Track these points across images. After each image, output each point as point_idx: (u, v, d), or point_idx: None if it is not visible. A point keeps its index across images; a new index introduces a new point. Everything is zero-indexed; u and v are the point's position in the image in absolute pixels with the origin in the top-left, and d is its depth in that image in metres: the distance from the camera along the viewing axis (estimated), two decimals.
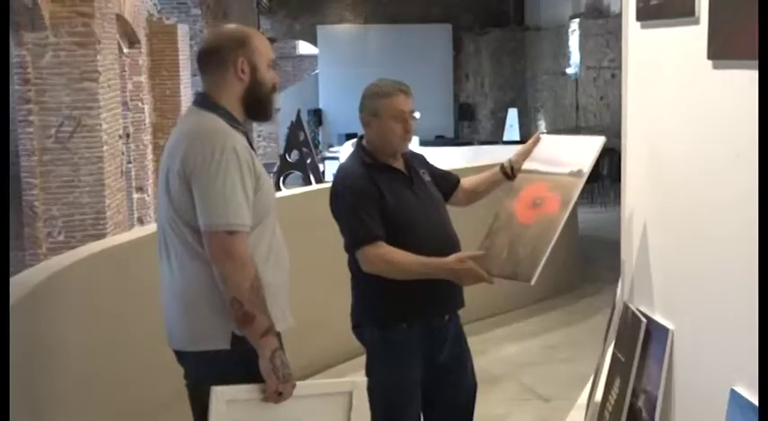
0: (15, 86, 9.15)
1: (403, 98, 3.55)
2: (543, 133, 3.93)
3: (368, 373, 3.51)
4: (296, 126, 14.60)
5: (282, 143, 16.63)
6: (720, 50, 2.12)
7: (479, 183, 3.87)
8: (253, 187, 2.91)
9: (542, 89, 21.25)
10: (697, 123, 2.30)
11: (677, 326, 2.48)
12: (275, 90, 3.12)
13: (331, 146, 20.03)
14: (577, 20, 18.19)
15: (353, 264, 3.56)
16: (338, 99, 22.35)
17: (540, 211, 3.32)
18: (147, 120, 12.67)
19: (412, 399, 3.60)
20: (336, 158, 14.74)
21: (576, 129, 17.33)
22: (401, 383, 3.57)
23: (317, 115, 23.58)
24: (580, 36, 18.00)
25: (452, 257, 3.42)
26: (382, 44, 23.38)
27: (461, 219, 3.87)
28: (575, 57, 18.46)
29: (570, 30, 18.62)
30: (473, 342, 3.95)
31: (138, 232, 5.92)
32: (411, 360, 3.56)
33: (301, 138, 14.49)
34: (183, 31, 13.93)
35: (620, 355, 2.78)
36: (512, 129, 19.11)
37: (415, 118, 3.59)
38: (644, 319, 2.62)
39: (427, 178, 3.73)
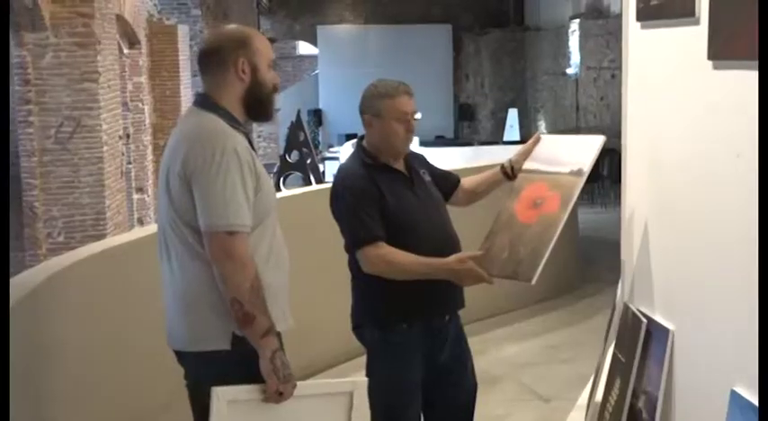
0: (15, 87, 9.15)
1: (406, 99, 3.55)
2: (543, 133, 3.93)
3: (368, 374, 3.51)
4: (296, 126, 14.60)
5: (282, 143, 16.62)
6: (721, 51, 2.12)
7: (479, 183, 3.87)
8: (253, 188, 2.91)
9: (542, 89, 21.25)
10: (697, 124, 2.30)
11: (677, 326, 2.48)
12: (276, 90, 3.12)
13: (331, 146, 20.02)
14: (577, 20, 18.19)
15: (354, 265, 3.55)
16: (338, 99, 22.35)
17: (540, 211, 3.32)
18: (147, 121, 12.67)
19: (412, 400, 3.60)
20: (336, 159, 14.74)
21: (577, 130, 17.33)
22: (401, 384, 3.57)
23: (317, 115, 23.58)
24: (580, 36, 18.00)
25: (453, 258, 3.42)
26: (382, 44, 23.38)
27: (461, 219, 3.87)
28: (575, 57, 18.46)
29: (570, 30, 18.62)
30: (473, 342, 3.95)
31: (138, 233, 5.92)
32: (411, 360, 3.56)
33: (301, 138, 14.48)
34: (183, 31, 13.93)
35: (620, 356, 2.78)
36: (512, 130, 19.11)
37: (416, 119, 3.59)
38: (644, 320, 2.62)
39: (427, 178, 3.73)
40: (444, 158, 9.32)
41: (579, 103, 18.33)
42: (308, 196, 6.78)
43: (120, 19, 10.80)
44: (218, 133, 2.91)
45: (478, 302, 4.48)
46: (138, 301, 4.64)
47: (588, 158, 3.39)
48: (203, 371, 2.96)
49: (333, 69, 23.49)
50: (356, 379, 3.18)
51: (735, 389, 2.06)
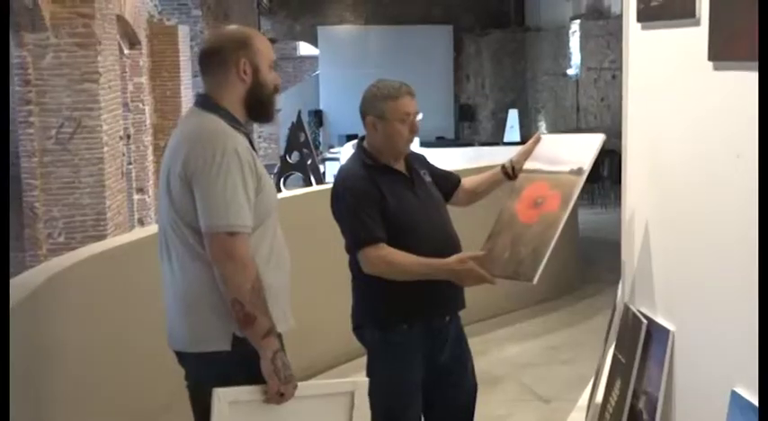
0: (16, 87, 9.15)
1: (408, 99, 3.54)
2: (543, 133, 3.93)
3: (368, 374, 3.51)
4: (296, 127, 14.60)
5: (283, 144, 16.61)
6: (721, 52, 2.12)
7: (480, 183, 3.87)
8: (254, 188, 2.91)
9: (543, 90, 21.25)
10: (697, 124, 2.30)
11: (678, 327, 2.48)
12: (277, 91, 3.12)
13: (332, 147, 20.03)
14: (578, 21, 18.20)
15: (354, 265, 3.55)
16: (339, 100, 22.35)
17: (541, 211, 3.32)
18: (148, 122, 12.68)
19: (412, 400, 3.60)
20: (337, 159, 14.74)
21: (577, 131, 17.31)
22: (402, 384, 3.57)
23: (317, 116, 23.58)
24: (581, 37, 18.00)
25: (453, 258, 3.42)
26: (383, 45, 23.38)
27: (462, 219, 3.87)
28: (575, 58, 18.47)
29: (571, 31, 18.63)
30: (474, 343, 3.95)
31: (139, 233, 5.92)
32: (412, 361, 3.56)
33: (302, 139, 14.48)
34: (183, 32, 13.93)
35: (620, 357, 2.78)
36: (512, 131, 19.09)
37: (419, 119, 3.59)
38: (644, 321, 2.63)
39: (428, 179, 3.73)
40: (445, 159, 9.32)
41: (580, 104, 18.33)
42: (308, 197, 6.78)
43: (120, 19, 10.81)
44: (219, 134, 2.91)
45: (479, 303, 4.48)
46: (139, 302, 4.64)
47: (588, 157, 3.39)
48: (204, 372, 2.96)
49: (333, 70, 23.49)
50: (357, 379, 3.18)
51: (735, 389, 2.06)
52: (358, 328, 3.67)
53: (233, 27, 3.21)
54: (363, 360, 3.67)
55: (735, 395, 2.06)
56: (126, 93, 11.85)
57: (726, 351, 2.16)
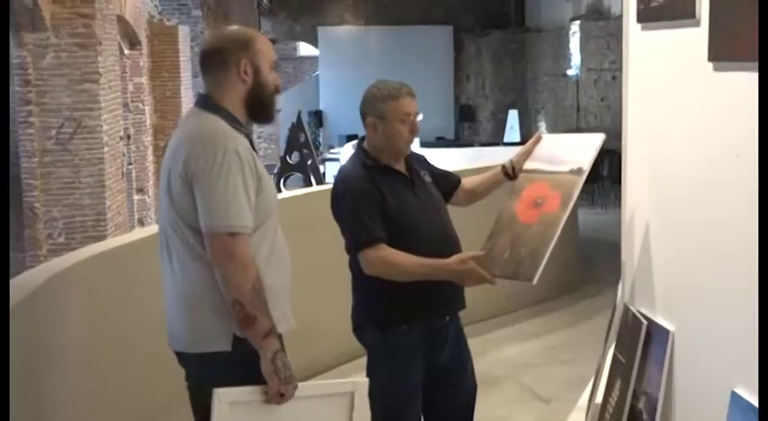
0: (16, 87, 9.15)
1: (408, 100, 3.54)
2: (544, 133, 3.93)
3: (368, 375, 3.51)
4: (296, 127, 14.59)
5: (283, 145, 16.60)
6: (721, 52, 2.12)
7: (480, 183, 3.87)
8: (255, 189, 2.91)
9: (543, 91, 21.25)
10: (697, 125, 2.30)
11: (678, 327, 2.48)
12: (277, 92, 3.12)
13: (332, 147, 20.02)
14: (578, 22, 18.20)
15: (354, 266, 3.55)
16: (339, 100, 22.35)
17: (541, 211, 3.32)
18: (148, 122, 12.68)
19: (412, 401, 3.60)
20: (337, 160, 14.74)
21: (577, 131, 17.32)
22: (401, 385, 3.57)
23: (317, 117, 23.57)
24: (581, 38, 18.00)
25: (454, 258, 3.42)
26: (383, 46, 23.37)
27: (462, 219, 3.88)
28: (575, 58, 18.46)
29: (571, 31, 18.62)
30: (474, 343, 3.95)
31: (139, 234, 5.92)
32: (411, 361, 3.56)
33: (302, 139, 14.48)
34: (183, 32, 13.93)
35: (620, 357, 2.78)
36: (512, 131, 19.10)
37: (419, 119, 3.59)
38: (644, 321, 2.63)
39: (428, 179, 3.73)
40: (445, 159, 9.32)
41: (580, 105, 18.33)
42: (308, 197, 6.78)
43: (120, 20, 10.81)
44: (220, 134, 2.91)
45: (479, 303, 4.48)
46: (139, 302, 4.64)
47: (588, 156, 3.39)
48: (204, 373, 2.96)
49: (333, 70, 23.49)
50: (357, 379, 3.18)
51: (735, 390, 2.06)
52: (358, 329, 3.67)
53: (234, 27, 3.21)
54: (363, 360, 3.67)
55: (735, 395, 2.06)
56: (126, 93, 11.85)
57: (726, 351, 2.16)
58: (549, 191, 3.38)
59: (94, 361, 4.30)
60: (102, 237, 8.86)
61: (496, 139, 20.22)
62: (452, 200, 3.84)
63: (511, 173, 3.68)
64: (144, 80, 12.56)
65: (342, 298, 3.82)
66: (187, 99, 13.43)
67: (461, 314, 3.72)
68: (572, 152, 3.47)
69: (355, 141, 3.81)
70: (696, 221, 2.33)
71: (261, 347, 2.85)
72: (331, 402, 3.05)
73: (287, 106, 17.88)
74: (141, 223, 12.05)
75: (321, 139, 22.96)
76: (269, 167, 11.48)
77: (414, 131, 3.56)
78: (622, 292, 3.04)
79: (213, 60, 3.03)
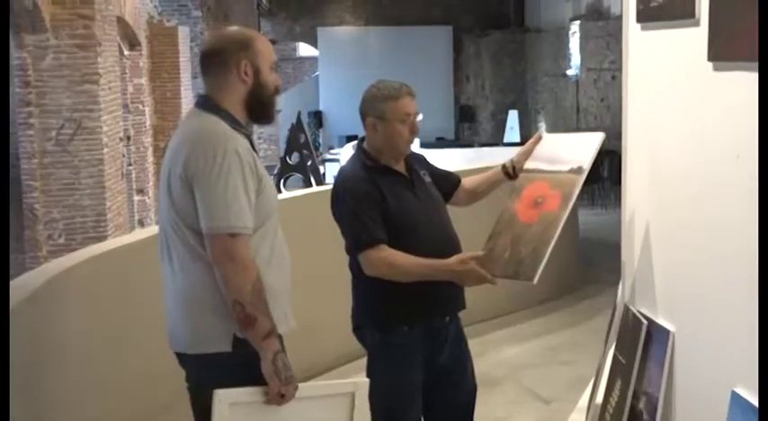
0: (16, 89, 9.15)
1: (408, 100, 3.54)
2: (544, 133, 3.93)
3: (368, 375, 3.51)
4: (296, 128, 14.60)
5: (283, 145, 16.62)
6: (721, 52, 2.12)
7: (480, 183, 3.87)
8: (255, 189, 2.91)
9: (543, 91, 21.25)
10: (697, 125, 2.30)
11: (678, 327, 2.48)
12: (277, 92, 3.12)
13: (331, 148, 20.03)
14: (578, 22, 18.20)
15: (354, 266, 3.55)
16: (339, 101, 22.35)
17: (541, 210, 3.32)
18: (148, 123, 12.67)
19: (412, 402, 3.60)
20: (337, 160, 14.74)
21: (577, 131, 17.32)
22: (401, 386, 3.56)
23: (317, 117, 23.57)
24: (580, 38, 18.00)
25: (454, 259, 3.42)
26: (383, 46, 23.38)
27: (462, 219, 3.88)
28: (575, 58, 18.46)
29: (571, 32, 18.62)
30: (474, 344, 3.94)
31: (139, 235, 5.92)
32: (412, 362, 3.56)
33: (302, 140, 14.49)
34: (183, 33, 13.93)
35: (620, 357, 2.78)
36: (512, 131, 19.10)
37: (419, 119, 3.59)
38: (645, 321, 2.63)
39: (428, 179, 3.73)
40: (445, 160, 9.32)
41: (580, 105, 18.33)
42: (308, 198, 6.78)
43: (120, 21, 10.81)
44: (220, 135, 2.91)
45: (479, 304, 4.48)
46: (139, 303, 4.64)
47: (588, 155, 3.39)
48: (205, 374, 2.96)
49: (333, 71, 23.49)
50: (357, 380, 3.18)
51: (735, 390, 2.06)
52: (358, 329, 3.67)
53: (234, 28, 3.21)
54: (364, 361, 3.66)
55: (735, 395, 2.06)
56: (126, 94, 11.85)
57: (726, 351, 2.16)
58: (549, 190, 3.38)
59: (94, 362, 4.30)
60: (102, 238, 8.85)
61: (496, 140, 20.22)
62: (452, 200, 3.84)
63: (511, 172, 3.68)
64: (144, 81, 12.56)
65: (342, 298, 3.82)
66: (187, 100, 13.43)
67: (461, 314, 3.72)
68: (572, 151, 3.47)
69: (355, 142, 3.81)
70: (696, 222, 2.33)
71: (261, 348, 2.85)
72: (331, 403, 3.05)
73: (287, 107, 17.89)
74: (141, 224, 12.05)
75: (321, 140, 22.97)
76: (269, 168, 11.48)
77: (414, 131, 3.56)
78: (622, 293, 3.04)
79: (213, 61, 3.03)
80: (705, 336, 2.29)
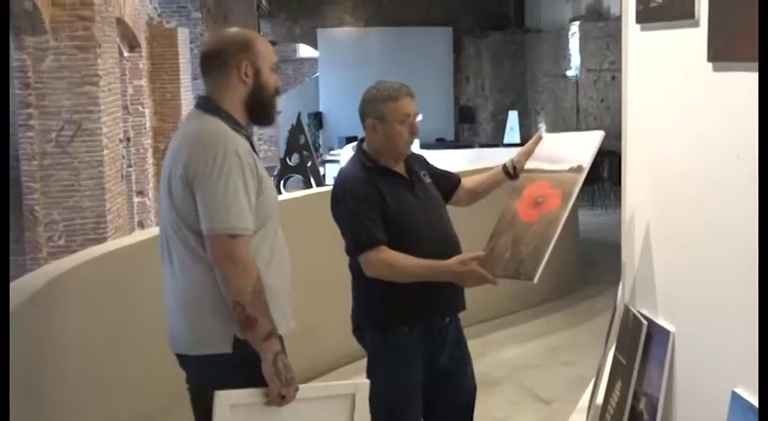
0: (16, 90, 9.15)
1: (408, 101, 3.54)
2: (544, 133, 3.93)
3: (368, 376, 3.50)
4: (296, 129, 14.61)
5: (283, 146, 16.63)
6: (720, 52, 2.12)
7: (480, 182, 3.87)
8: (255, 191, 2.91)
9: (543, 91, 21.25)
10: (697, 125, 2.30)
11: (678, 328, 2.48)
12: (278, 94, 3.12)
13: (332, 149, 20.02)
14: (577, 22, 18.20)
15: (354, 267, 3.55)
16: (339, 102, 22.35)
17: (541, 210, 3.33)
18: (148, 124, 12.67)
19: (412, 403, 3.60)
20: (337, 161, 14.74)
21: (577, 131, 17.30)
22: (401, 386, 3.56)
23: (317, 118, 23.58)
24: (580, 38, 18.00)
25: (455, 259, 3.42)
26: (382, 47, 23.38)
27: (462, 219, 3.88)
28: (575, 59, 18.46)
29: (570, 32, 18.62)
30: (474, 344, 3.94)
31: (139, 236, 5.93)
32: (412, 363, 3.56)
33: (302, 141, 14.49)
34: (183, 34, 13.93)
35: (621, 358, 2.78)
36: (512, 132, 19.10)
37: (418, 120, 3.59)
38: (645, 322, 2.63)
39: (428, 180, 3.73)
40: (445, 161, 9.32)
41: (579, 105, 18.33)
42: (308, 199, 6.78)
43: (120, 22, 10.81)
44: (220, 136, 2.91)
45: (479, 304, 4.48)
46: (139, 305, 4.64)
47: (588, 154, 3.39)
48: (205, 375, 2.96)
49: (333, 72, 23.49)
50: (358, 381, 3.18)
51: (736, 390, 2.06)
52: (358, 330, 3.67)
53: (234, 29, 3.21)
54: (364, 362, 3.66)
55: (735, 396, 2.06)
56: (126, 95, 11.85)
57: (726, 352, 2.16)
58: (549, 189, 3.38)
59: (95, 363, 4.30)
60: (102, 240, 8.85)
61: (496, 141, 20.22)
62: (453, 200, 3.84)
63: (512, 172, 3.68)
64: (143, 82, 12.56)
65: (342, 299, 3.82)
66: (187, 101, 13.42)
67: (461, 315, 3.72)
68: (572, 150, 3.47)
69: (355, 143, 3.81)
70: (696, 222, 2.33)
71: (262, 349, 2.85)
72: (332, 404, 3.05)
73: (287, 108, 17.89)
74: (141, 225, 12.05)
75: (321, 141, 22.97)
76: (269, 169, 11.49)
77: (413, 132, 3.56)
78: (623, 293, 3.04)
79: (213, 62, 3.03)
80: (705, 337, 2.29)
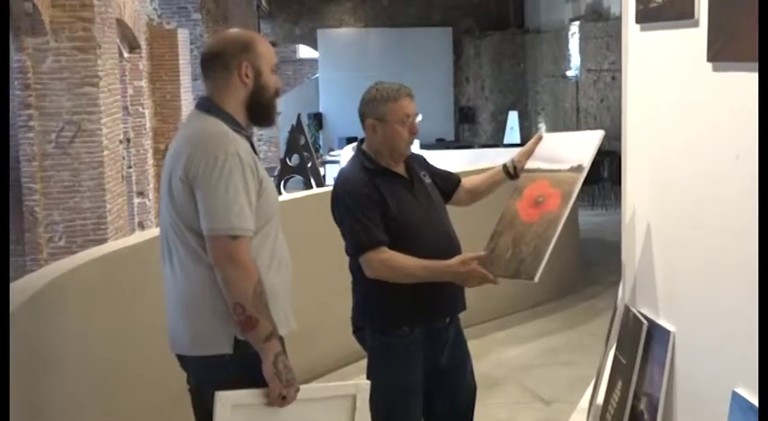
0: (16, 91, 9.15)
1: (408, 101, 3.54)
2: (544, 133, 3.93)
3: (369, 377, 3.50)
4: (296, 130, 14.62)
5: (283, 147, 16.63)
6: (720, 52, 2.12)
7: (481, 182, 3.87)
8: (256, 191, 2.91)
9: (543, 92, 21.26)
10: (697, 125, 2.30)
11: (678, 328, 2.48)
12: (278, 94, 3.12)
13: (332, 149, 20.04)
14: (577, 23, 18.20)
15: (354, 267, 3.55)
16: (339, 103, 22.37)
17: (542, 209, 3.33)
18: (148, 125, 12.68)
19: (413, 403, 3.59)
20: (337, 162, 14.75)
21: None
22: (402, 387, 3.56)
23: (317, 119, 23.59)
24: (580, 39, 18.01)
25: (456, 259, 3.42)
26: (382, 48, 23.40)
27: (462, 219, 3.87)
28: (575, 59, 18.47)
29: (570, 32, 18.63)
30: (474, 345, 3.94)
31: (139, 237, 5.92)
32: (412, 363, 3.56)
33: (302, 141, 14.50)
34: (183, 35, 13.93)
35: (621, 358, 2.78)
36: (512, 132, 19.11)
37: (418, 121, 3.59)
38: (645, 322, 2.63)
39: (428, 180, 3.73)
40: (445, 161, 9.32)
41: (579, 106, 18.34)
42: (308, 200, 6.78)
43: (120, 23, 10.81)
44: (221, 137, 2.91)
45: (479, 305, 4.48)
46: (140, 306, 4.64)
47: (588, 153, 3.40)
48: (206, 376, 2.96)
49: (333, 73, 23.51)
50: (359, 382, 3.18)
51: (736, 390, 2.06)
52: (358, 331, 3.67)
53: (235, 30, 3.21)
54: (364, 363, 3.66)
55: (736, 396, 2.06)
56: (126, 96, 11.86)
57: (726, 351, 2.16)
58: (549, 189, 3.38)
59: (95, 364, 4.30)
60: (102, 241, 8.86)
61: (496, 141, 20.24)
62: (453, 199, 3.84)
63: (512, 172, 3.68)
64: (143, 83, 12.57)
65: (342, 300, 3.82)
66: (187, 102, 13.43)
67: (461, 315, 3.72)
68: (572, 150, 3.48)
69: (355, 143, 3.81)
70: (696, 222, 2.33)
71: (262, 350, 2.85)
72: (333, 405, 3.04)
73: (287, 109, 17.90)
74: (142, 226, 12.05)
75: (321, 142, 22.99)
76: (269, 170, 11.50)
77: (413, 133, 3.56)
78: (623, 293, 3.04)
79: (214, 63, 3.03)
80: (706, 337, 2.29)
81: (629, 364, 2.67)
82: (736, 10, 2.02)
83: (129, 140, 11.88)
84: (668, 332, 2.50)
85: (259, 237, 2.93)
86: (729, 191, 2.10)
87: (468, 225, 4.06)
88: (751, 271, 1.94)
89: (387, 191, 3.52)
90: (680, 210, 2.45)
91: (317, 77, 24.50)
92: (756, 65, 1.88)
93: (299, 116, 15.17)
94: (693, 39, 2.25)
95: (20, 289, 3.82)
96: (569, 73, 18.92)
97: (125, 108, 11.61)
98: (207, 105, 3.03)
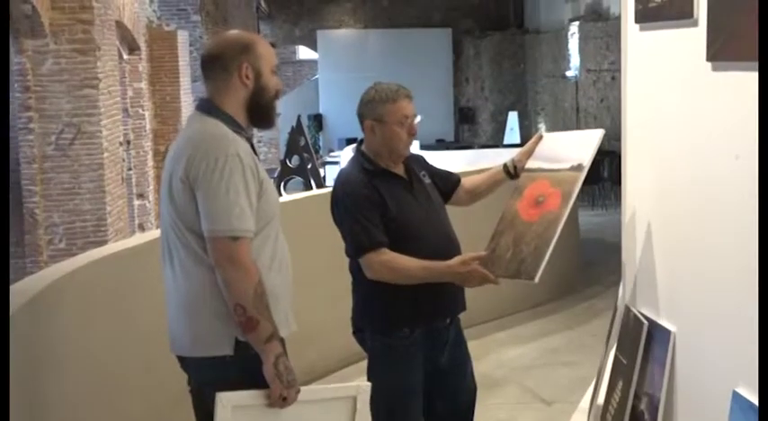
0: (16, 94, 9.16)
1: (406, 102, 3.54)
2: (544, 132, 3.93)
3: (369, 378, 3.51)
4: (296, 131, 14.62)
5: (283, 148, 16.64)
6: (720, 52, 2.12)
7: (481, 182, 3.87)
8: (256, 193, 2.91)
9: (542, 92, 21.26)
10: (697, 125, 2.30)
11: (679, 328, 2.48)
12: (278, 96, 3.12)
13: (331, 150, 20.04)
14: (577, 23, 18.20)
15: (354, 268, 3.55)
16: (338, 104, 22.37)
17: (542, 209, 3.33)
18: (148, 127, 12.68)
19: (413, 404, 3.59)
20: (337, 163, 14.74)
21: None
22: (402, 388, 3.56)
23: (317, 120, 23.59)
24: (580, 39, 18.01)
25: (456, 260, 3.41)
26: (382, 49, 23.40)
27: (462, 219, 3.87)
28: (575, 60, 18.47)
29: (570, 33, 18.63)
30: (474, 345, 3.94)
31: (140, 239, 5.92)
32: (412, 364, 3.55)
33: (302, 143, 14.51)
34: (182, 37, 13.94)
35: (622, 358, 2.78)
36: (512, 133, 19.10)
37: (417, 121, 3.59)
38: (645, 322, 2.63)
39: (427, 181, 3.73)
40: (445, 162, 9.31)
41: (579, 106, 18.34)
42: (308, 201, 6.78)
43: (119, 25, 10.82)
44: (222, 138, 2.91)
45: (480, 305, 4.48)
46: (140, 307, 4.64)
47: (588, 153, 3.40)
48: (207, 377, 2.96)
49: (333, 74, 23.51)
50: (360, 383, 3.18)
51: (736, 390, 2.06)
52: (358, 332, 3.66)
53: (235, 32, 3.21)
54: (364, 364, 3.66)
55: (736, 395, 2.06)
56: (125, 98, 11.86)
57: (727, 351, 2.16)
58: (549, 188, 3.38)
59: (95, 365, 4.30)
60: (102, 243, 8.86)
61: (496, 141, 20.24)
62: (453, 199, 3.84)
63: (512, 172, 3.68)
64: (143, 85, 12.57)
65: (342, 301, 3.82)
66: (187, 104, 13.44)
67: (462, 316, 3.72)
68: (572, 149, 3.48)
69: (355, 144, 3.81)
70: (696, 222, 2.33)
71: (263, 351, 2.85)
72: (333, 406, 3.04)
73: (286, 110, 17.90)
74: (142, 228, 12.05)
75: (321, 143, 22.99)
76: (269, 171, 11.49)
77: (412, 134, 3.56)
78: (623, 293, 3.04)
79: (214, 64, 3.03)
80: (706, 337, 2.29)
81: (629, 364, 2.67)
82: (736, 9, 2.02)
83: (128, 142, 11.89)
84: (669, 332, 2.50)
85: (259, 238, 2.93)
86: (729, 190, 2.10)
87: (468, 225, 4.06)
88: (751, 271, 1.94)
89: (386, 192, 3.52)
90: (680, 209, 2.45)
91: (317, 78, 24.50)
92: (756, 64, 1.88)
93: (298, 117, 15.18)
94: (693, 38, 2.25)
95: (20, 291, 3.82)
96: (569, 73, 18.92)
97: (125, 110, 11.62)
98: (207, 107, 3.03)
